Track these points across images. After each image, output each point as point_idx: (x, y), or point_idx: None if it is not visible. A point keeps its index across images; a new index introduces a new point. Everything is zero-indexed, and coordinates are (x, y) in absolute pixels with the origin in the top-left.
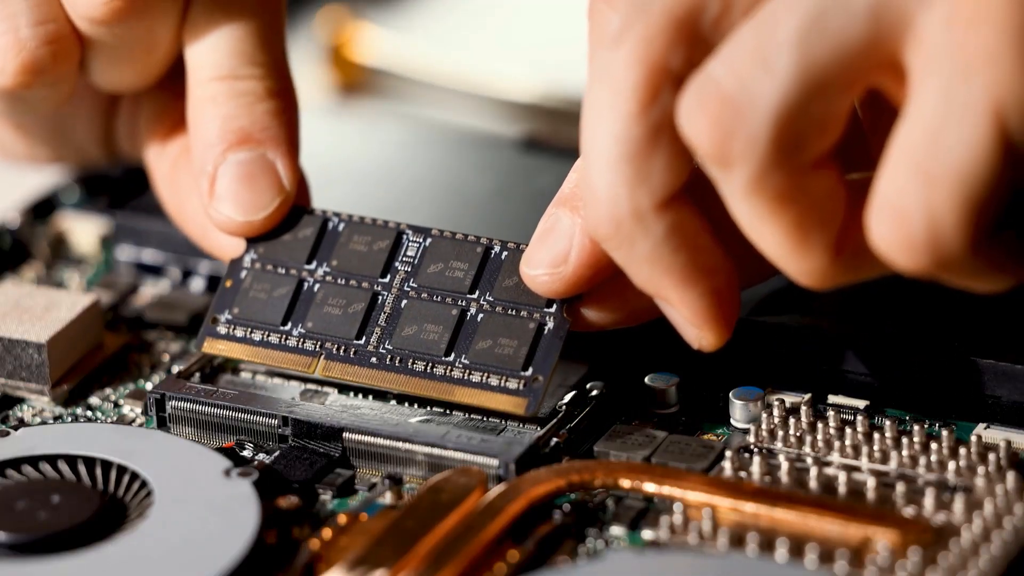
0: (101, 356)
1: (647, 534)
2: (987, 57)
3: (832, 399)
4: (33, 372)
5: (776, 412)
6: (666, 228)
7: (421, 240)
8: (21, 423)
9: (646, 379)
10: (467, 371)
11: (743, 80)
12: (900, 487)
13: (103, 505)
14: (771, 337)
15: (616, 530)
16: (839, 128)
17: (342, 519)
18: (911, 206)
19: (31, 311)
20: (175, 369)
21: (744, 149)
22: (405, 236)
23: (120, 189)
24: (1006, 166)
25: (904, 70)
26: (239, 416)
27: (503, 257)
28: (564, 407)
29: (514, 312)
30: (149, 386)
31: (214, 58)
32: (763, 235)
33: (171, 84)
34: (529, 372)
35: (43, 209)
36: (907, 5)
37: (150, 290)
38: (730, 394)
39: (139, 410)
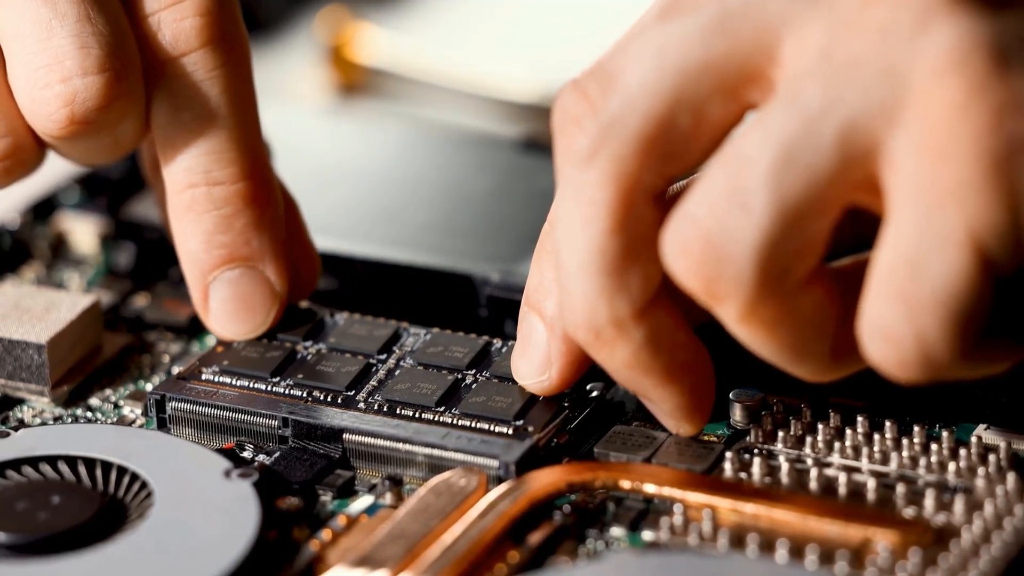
0: (101, 357)
1: (647, 535)
2: (960, 189)
3: (832, 399)
4: (33, 373)
5: (776, 412)
6: (646, 333)
7: (422, 334)
8: (21, 424)
9: None
10: (456, 418)
11: (721, 221)
12: (900, 488)
13: (103, 506)
14: None
15: (616, 531)
16: (822, 247)
17: (342, 520)
18: (900, 332)
19: (31, 312)
20: (175, 370)
21: (730, 288)
22: (405, 332)
23: (120, 189)
24: (988, 282)
25: (880, 187)
26: (239, 417)
27: (503, 351)
28: (564, 407)
29: (512, 382)
30: (149, 387)
31: (186, 163)
32: (761, 351)
33: None
34: (521, 422)
35: (43, 209)
36: (875, 129)
37: (150, 291)
38: (730, 394)
39: (139, 411)
